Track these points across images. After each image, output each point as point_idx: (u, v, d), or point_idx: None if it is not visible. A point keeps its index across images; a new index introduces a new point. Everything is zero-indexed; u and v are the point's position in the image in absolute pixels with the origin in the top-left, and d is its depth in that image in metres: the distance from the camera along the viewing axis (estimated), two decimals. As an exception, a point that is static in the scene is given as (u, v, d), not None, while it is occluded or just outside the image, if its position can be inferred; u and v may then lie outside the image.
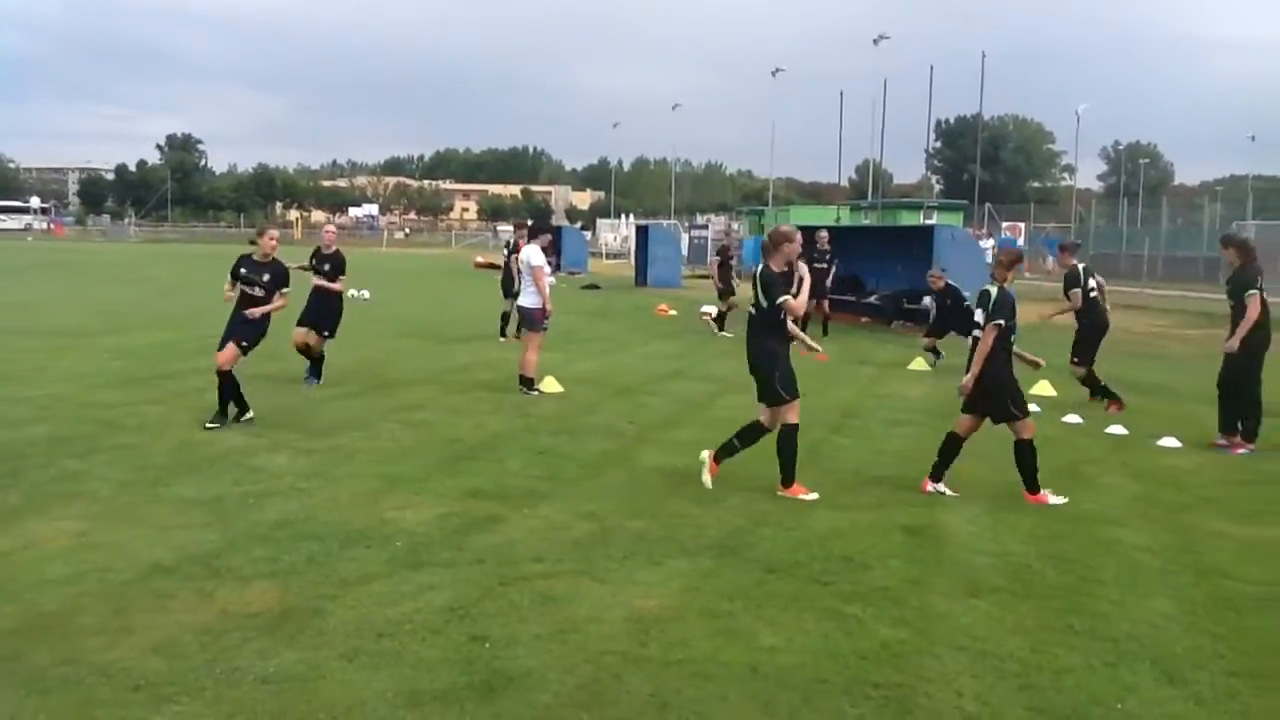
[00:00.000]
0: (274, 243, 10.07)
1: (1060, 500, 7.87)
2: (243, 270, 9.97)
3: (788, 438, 7.86)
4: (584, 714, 4.23)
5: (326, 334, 12.41)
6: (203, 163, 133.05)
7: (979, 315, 8.04)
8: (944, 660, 4.87)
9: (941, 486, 8.07)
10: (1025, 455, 7.91)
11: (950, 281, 16.19)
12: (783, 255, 7.80)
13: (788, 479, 7.87)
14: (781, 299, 7.66)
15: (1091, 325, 12.53)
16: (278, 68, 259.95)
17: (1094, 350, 12.52)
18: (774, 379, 7.75)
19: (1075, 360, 12.55)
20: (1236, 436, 10.11)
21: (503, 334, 17.62)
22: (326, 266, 12.40)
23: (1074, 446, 9.99)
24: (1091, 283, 12.52)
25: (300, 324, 12.33)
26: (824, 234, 20.01)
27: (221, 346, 9.74)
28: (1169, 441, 10.09)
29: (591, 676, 4.57)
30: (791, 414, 7.83)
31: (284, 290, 10.04)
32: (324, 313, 12.43)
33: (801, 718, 4.26)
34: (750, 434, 7.99)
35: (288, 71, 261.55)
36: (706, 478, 7.94)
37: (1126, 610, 5.59)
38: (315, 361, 12.41)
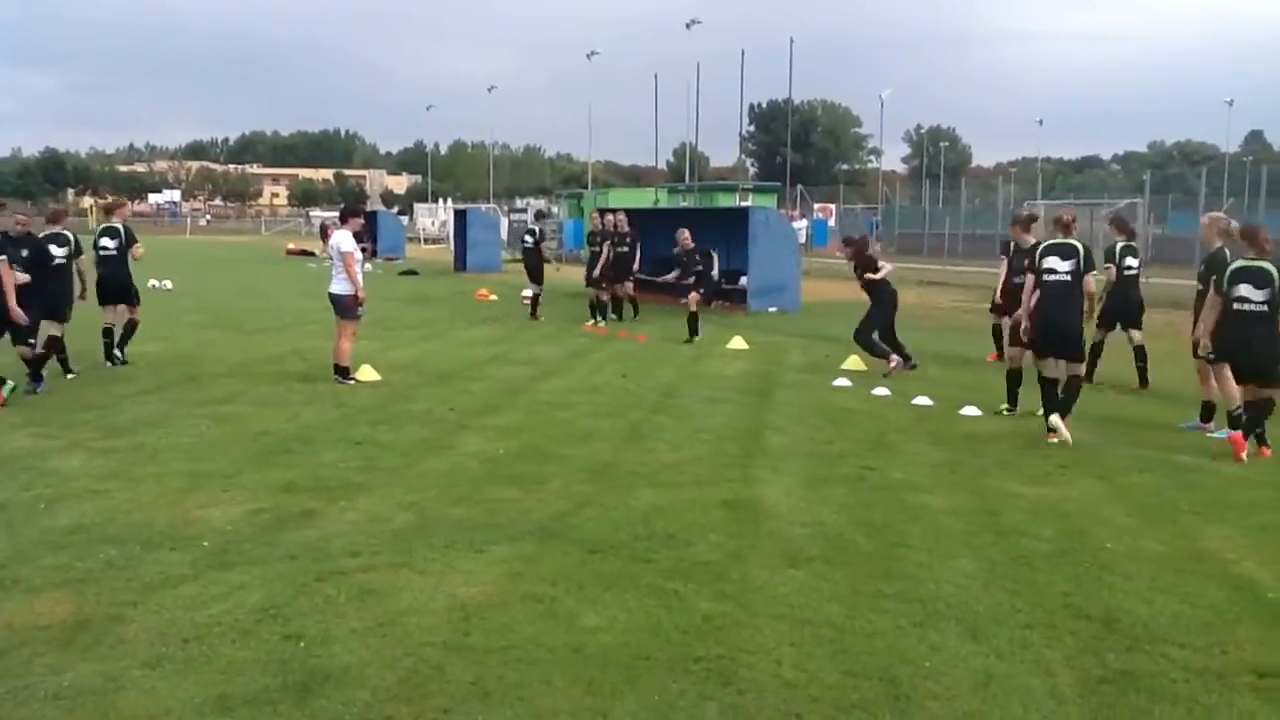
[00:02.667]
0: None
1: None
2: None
3: (1079, 386, 9.40)
4: (404, 708, 4.13)
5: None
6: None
7: (1261, 294, 8.67)
8: (764, 630, 4.98)
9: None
10: (1268, 409, 8.83)
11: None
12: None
13: (1066, 412, 9.17)
14: (1096, 272, 9.42)
15: None
16: (56, 43, 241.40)
17: None
18: (1082, 339, 9.32)
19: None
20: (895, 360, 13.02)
21: (533, 315, 19.45)
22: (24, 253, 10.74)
23: (883, 418, 10.39)
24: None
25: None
26: (621, 216, 19.16)
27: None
28: (970, 410, 10.61)
29: (412, 669, 4.47)
30: (1083, 367, 9.54)
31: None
32: (55, 301, 11.24)
33: (624, 695, 4.28)
34: (1073, 389, 9.29)
35: (68, 48, 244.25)
36: (1067, 436, 9.06)
37: (933, 572, 5.84)
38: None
